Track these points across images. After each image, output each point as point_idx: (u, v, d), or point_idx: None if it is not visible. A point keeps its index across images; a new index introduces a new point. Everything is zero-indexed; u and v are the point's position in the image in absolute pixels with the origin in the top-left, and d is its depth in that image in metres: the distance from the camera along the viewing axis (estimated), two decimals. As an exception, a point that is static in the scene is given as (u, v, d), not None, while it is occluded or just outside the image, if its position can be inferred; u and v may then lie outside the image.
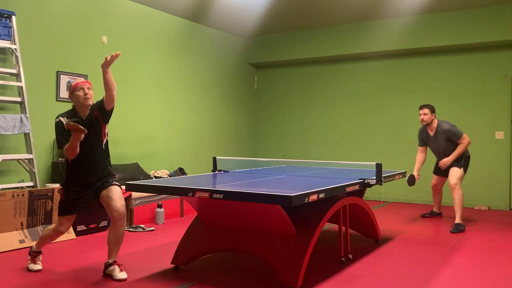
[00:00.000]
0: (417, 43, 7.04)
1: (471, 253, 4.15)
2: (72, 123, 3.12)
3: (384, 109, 7.58)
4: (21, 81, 4.82)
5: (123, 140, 6.12)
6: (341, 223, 3.76)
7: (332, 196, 3.37)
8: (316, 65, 8.21)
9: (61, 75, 5.38)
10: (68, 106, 3.55)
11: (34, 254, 3.60)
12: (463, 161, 5.36)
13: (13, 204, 4.32)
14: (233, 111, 8.26)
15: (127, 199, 5.26)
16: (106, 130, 3.50)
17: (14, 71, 4.82)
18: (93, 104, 3.41)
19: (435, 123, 5.46)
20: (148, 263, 3.80)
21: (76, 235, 4.74)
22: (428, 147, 5.68)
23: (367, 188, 4.02)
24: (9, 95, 4.88)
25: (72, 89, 3.37)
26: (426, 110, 5.41)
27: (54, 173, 5.16)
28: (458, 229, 5.07)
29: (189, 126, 7.28)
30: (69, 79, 5.39)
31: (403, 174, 4.83)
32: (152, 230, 5.14)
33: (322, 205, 3.46)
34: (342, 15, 7.12)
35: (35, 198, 4.50)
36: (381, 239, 4.68)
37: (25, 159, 4.80)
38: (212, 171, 4.72)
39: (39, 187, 4.81)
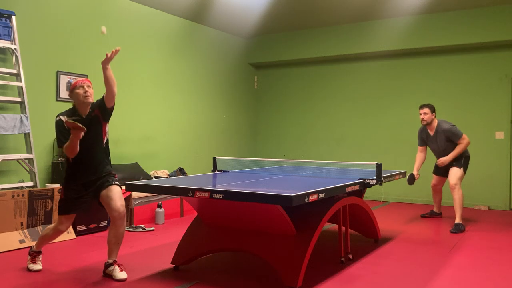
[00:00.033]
0: (417, 43, 7.04)
1: (471, 253, 4.15)
2: (71, 121, 3.12)
3: (384, 109, 7.58)
4: (21, 81, 4.82)
5: (123, 140, 6.12)
6: (341, 223, 3.76)
7: (332, 196, 3.37)
8: (316, 65, 8.21)
9: (61, 75, 5.38)
10: (68, 106, 3.55)
11: (34, 254, 3.60)
12: (463, 161, 5.36)
13: (13, 204, 4.32)
14: (233, 111, 8.26)
15: (127, 199, 5.26)
16: (107, 129, 3.50)
17: (14, 71, 4.82)
18: (94, 102, 3.42)
19: (435, 123, 5.45)
20: (148, 263, 3.80)
21: (76, 235, 4.74)
22: (428, 147, 5.68)
23: (367, 188, 4.02)
24: (9, 95, 4.88)
25: (72, 88, 3.38)
26: (426, 110, 5.41)
27: (54, 173, 5.16)
28: (458, 229, 5.07)
29: (189, 126, 7.28)
30: (69, 79, 5.39)
31: (403, 174, 4.83)
32: (152, 230, 5.14)
33: (322, 205, 3.46)
34: (342, 15, 7.12)
35: (35, 198, 4.50)
36: (381, 239, 4.68)
37: (25, 159, 4.80)
38: (212, 171, 4.72)
39: (39, 187, 4.81)
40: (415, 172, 5.57)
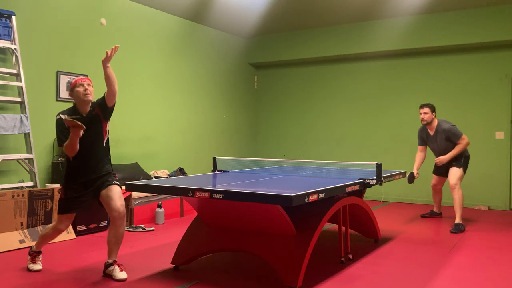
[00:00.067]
0: (417, 43, 7.04)
1: (471, 253, 4.15)
2: (70, 119, 3.11)
3: (384, 109, 7.58)
4: (21, 81, 4.82)
5: (123, 140, 6.12)
6: (341, 223, 3.76)
7: (332, 196, 3.37)
8: (316, 65, 8.21)
9: (61, 75, 5.38)
10: (68, 106, 3.54)
11: (34, 254, 3.60)
12: (462, 161, 5.36)
13: (13, 204, 4.32)
14: (233, 111, 8.26)
15: (127, 199, 5.26)
16: (107, 128, 3.50)
17: (14, 71, 4.82)
18: (94, 101, 3.42)
19: (435, 123, 5.45)
20: (148, 263, 3.80)
21: (76, 235, 4.74)
22: (427, 147, 5.68)
23: (367, 188, 4.02)
24: (9, 95, 4.88)
25: (72, 86, 3.38)
26: (426, 109, 5.41)
27: (54, 173, 5.16)
28: (458, 229, 5.07)
29: (189, 126, 7.28)
30: (69, 79, 5.39)
31: (403, 174, 4.83)
32: (152, 230, 5.14)
33: (322, 205, 3.46)
34: (342, 15, 7.12)
35: (35, 198, 4.50)
36: (381, 239, 4.67)
37: (25, 159, 4.80)
38: (212, 171, 4.72)
39: (39, 187, 4.81)
40: (414, 171, 5.57)
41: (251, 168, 5.46)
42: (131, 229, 5.08)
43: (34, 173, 4.80)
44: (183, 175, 6.27)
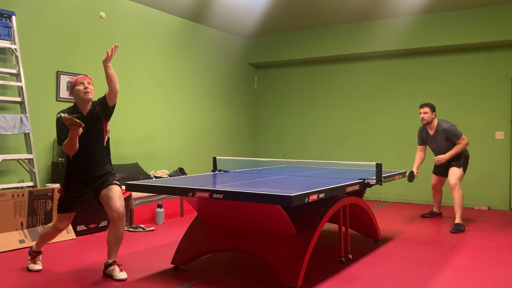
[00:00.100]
0: (417, 43, 7.04)
1: (471, 253, 4.15)
2: (69, 116, 3.10)
3: (384, 109, 7.58)
4: (21, 81, 4.82)
5: (123, 140, 6.12)
6: (341, 223, 3.76)
7: (332, 196, 3.37)
8: (316, 65, 8.21)
9: (61, 75, 5.38)
10: (68, 106, 3.54)
11: (34, 254, 3.60)
12: (462, 160, 5.36)
13: (13, 204, 4.32)
14: (233, 111, 8.26)
15: (127, 199, 5.26)
16: (108, 128, 3.50)
17: (14, 71, 4.82)
18: (95, 100, 3.42)
19: (435, 122, 5.46)
20: (148, 263, 3.80)
21: (76, 235, 4.73)
22: (427, 147, 5.68)
23: (367, 188, 4.02)
24: (9, 95, 4.88)
25: (72, 85, 3.39)
26: (426, 109, 5.41)
27: (54, 173, 5.16)
28: (458, 229, 5.07)
29: (189, 126, 7.28)
30: (69, 79, 5.39)
31: (403, 174, 4.83)
32: (152, 230, 5.14)
33: (322, 205, 3.46)
34: (342, 15, 7.12)
35: (35, 198, 4.50)
36: (381, 239, 4.68)
37: (25, 159, 4.80)
38: (212, 171, 4.72)
39: (39, 187, 4.81)
40: (414, 171, 5.57)
41: (251, 168, 5.46)
42: (131, 229, 5.08)
43: (34, 173, 4.80)
44: (183, 175, 6.27)
